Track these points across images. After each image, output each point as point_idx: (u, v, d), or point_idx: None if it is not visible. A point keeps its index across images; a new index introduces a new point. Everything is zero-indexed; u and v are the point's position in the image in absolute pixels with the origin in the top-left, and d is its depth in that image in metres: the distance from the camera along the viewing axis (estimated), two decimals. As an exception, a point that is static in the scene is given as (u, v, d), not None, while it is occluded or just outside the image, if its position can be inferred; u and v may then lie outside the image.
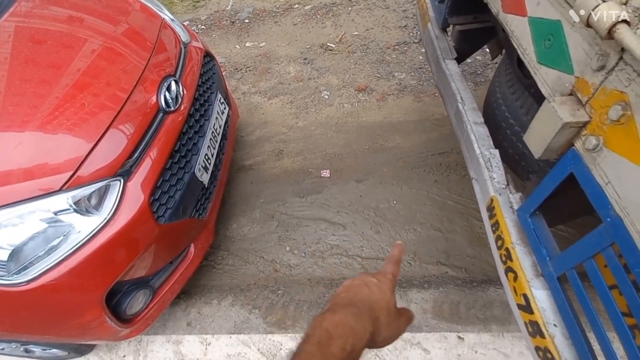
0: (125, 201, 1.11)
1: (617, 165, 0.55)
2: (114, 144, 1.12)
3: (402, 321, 0.47)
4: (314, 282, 1.68)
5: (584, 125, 0.60)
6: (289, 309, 1.60)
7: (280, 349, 1.48)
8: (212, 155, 1.55)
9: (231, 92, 2.30)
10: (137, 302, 1.25)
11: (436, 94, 2.41)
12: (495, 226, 0.89)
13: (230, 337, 1.54)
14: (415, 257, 1.69)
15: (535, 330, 0.74)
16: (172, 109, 1.31)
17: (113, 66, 1.27)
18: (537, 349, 0.75)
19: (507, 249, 0.84)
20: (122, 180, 1.11)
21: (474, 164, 1.06)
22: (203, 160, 1.45)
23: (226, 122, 1.75)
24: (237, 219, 1.96)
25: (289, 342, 1.49)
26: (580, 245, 0.64)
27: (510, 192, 0.92)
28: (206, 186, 1.49)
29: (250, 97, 2.64)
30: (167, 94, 1.31)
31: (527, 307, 0.76)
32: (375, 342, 0.42)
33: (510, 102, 1.15)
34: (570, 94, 0.64)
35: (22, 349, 1.36)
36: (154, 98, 1.27)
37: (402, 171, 2.02)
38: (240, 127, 2.43)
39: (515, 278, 0.80)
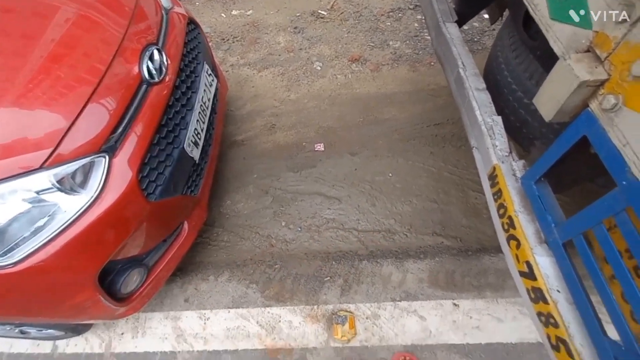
0: (112, 178, 1.05)
1: (638, 124, 0.52)
2: (96, 118, 1.05)
3: None
4: (310, 256, 1.67)
5: (602, 83, 0.56)
6: (286, 282, 1.60)
7: (279, 321, 1.49)
8: (202, 130, 1.48)
9: (219, 64, 2.19)
10: (131, 281, 1.23)
11: (432, 63, 2.34)
12: (498, 194, 0.87)
13: (229, 312, 1.54)
14: (411, 229, 1.69)
15: (538, 296, 0.74)
16: (157, 80, 1.23)
17: (89, 35, 1.18)
18: (540, 314, 0.75)
19: (509, 217, 0.82)
20: (107, 157, 1.05)
21: (476, 132, 1.02)
22: (192, 135, 1.39)
23: (215, 95, 1.67)
24: (230, 196, 1.92)
25: (287, 314, 1.50)
26: (590, 210, 0.62)
27: (513, 160, 0.90)
28: (197, 162, 1.43)
29: (239, 69, 2.53)
30: (149, 64, 1.22)
31: (529, 274, 0.76)
32: None
33: (514, 67, 1.10)
34: (587, 51, 0.60)
35: (17, 330, 1.34)
36: (136, 68, 1.18)
37: (397, 143, 1.99)
38: (229, 101, 2.33)
39: (518, 246, 0.79)
